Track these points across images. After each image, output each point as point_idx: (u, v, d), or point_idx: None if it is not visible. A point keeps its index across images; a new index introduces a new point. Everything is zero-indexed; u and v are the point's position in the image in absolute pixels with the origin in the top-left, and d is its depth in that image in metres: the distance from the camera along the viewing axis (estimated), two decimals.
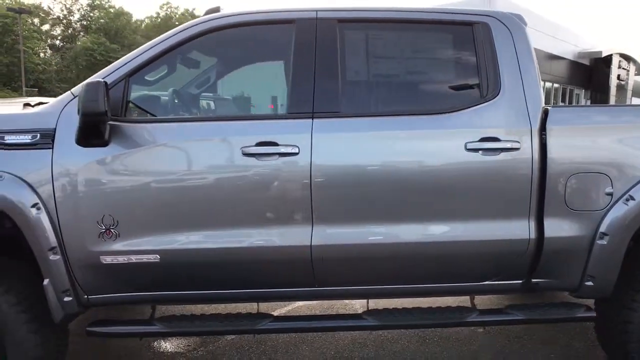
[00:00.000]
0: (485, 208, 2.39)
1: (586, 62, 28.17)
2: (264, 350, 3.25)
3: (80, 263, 2.31)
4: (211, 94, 2.57)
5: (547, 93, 25.32)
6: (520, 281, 2.54)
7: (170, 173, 2.31)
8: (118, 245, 2.30)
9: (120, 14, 53.53)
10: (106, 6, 53.85)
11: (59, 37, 55.65)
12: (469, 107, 2.42)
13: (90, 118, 2.09)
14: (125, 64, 2.37)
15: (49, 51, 52.54)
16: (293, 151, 2.29)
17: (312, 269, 2.38)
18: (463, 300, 2.93)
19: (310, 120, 2.33)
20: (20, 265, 2.44)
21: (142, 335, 2.47)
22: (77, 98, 2.31)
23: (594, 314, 2.51)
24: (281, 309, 3.82)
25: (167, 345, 3.33)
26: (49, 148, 2.27)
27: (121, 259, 2.31)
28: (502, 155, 2.35)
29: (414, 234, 2.35)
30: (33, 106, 2.68)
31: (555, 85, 26.18)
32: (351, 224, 2.35)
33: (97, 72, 2.43)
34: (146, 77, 2.49)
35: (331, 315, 2.56)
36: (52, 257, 2.26)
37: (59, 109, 2.33)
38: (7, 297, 2.29)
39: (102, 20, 51.89)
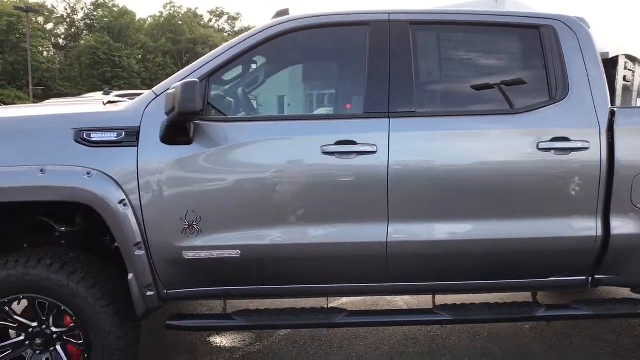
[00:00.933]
0: (555, 206, 2.46)
1: None
2: (320, 345, 3.31)
3: (162, 258, 2.37)
4: (287, 94, 2.63)
5: None
6: (584, 277, 2.60)
7: (252, 171, 2.37)
8: (200, 241, 2.36)
9: (124, 13, 53.56)
10: (110, 5, 53.90)
11: (63, 36, 55.73)
12: (539, 108, 2.48)
13: (185, 117, 2.15)
14: (206, 63, 2.43)
15: (52, 50, 52.60)
16: (371, 150, 2.35)
17: (386, 265, 2.45)
18: (519, 297, 3.00)
19: (387, 119, 2.40)
20: (101, 260, 2.51)
21: (222, 329, 2.53)
22: (160, 97, 2.38)
23: None
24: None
25: (223, 340, 3.39)
26: (134, 146, 2.33)
27: (203, 254, 2.37)
28: (573, 155, 2.42)
29: (487, 231, 2.42)
30: (105, 104, 2.74)
31: None
32: (426, 221, 2.41)
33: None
34: (222, 77, 2.55)
35: (402, 310, 2.62)
36: (137, 252, 2.32)
37: (142, 107, 2.39)
38: (93, 291, 2.35)
39: (105, 19, 51.93)
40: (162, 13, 59.79)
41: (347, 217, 2.39)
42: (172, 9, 60.08)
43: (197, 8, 62.68)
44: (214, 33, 60.12)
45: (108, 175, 2.29)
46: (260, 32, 2.48)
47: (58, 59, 50.39)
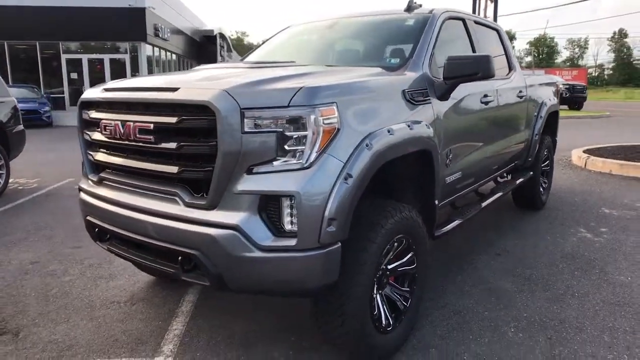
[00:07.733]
0: (523, 124, 4.78)
1: (197, 38, 32.34)
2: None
3: (439, 185, 3.17)
4: None
5: (170, 62, 27.80)
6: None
7: (463, 116, 3.48)
8: (450, 169, 3.32)
9: None
10: None
11: None
12: (510, 76, 4.67)
13: (479, 79, 3.05)
14: (429, 42, 3.28)
15: None
16: (492, 99, 3.93)
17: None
18: None
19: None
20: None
21: (460, 223, 3.51)
22: (425, 65, 3.10)
23: None
24: None
25: None
26: (429, 103, 3.00)
27: (452, 178, 3.35)
28: (524, 99, 4.76)
29: (503, 139, 4.46)
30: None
31: (175, 56, 28.81)
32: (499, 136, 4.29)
33: None
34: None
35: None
36: (441, 183, 3.07)
37: (418, 72, 3.03)
38: (421, 220, 2.91)
39: None
40: None
41: (498, 136, 4.01)
42: None
43: None
44: None
45: (428, 126, 2.91)
46: (440, 16, 3.50)
47: None
